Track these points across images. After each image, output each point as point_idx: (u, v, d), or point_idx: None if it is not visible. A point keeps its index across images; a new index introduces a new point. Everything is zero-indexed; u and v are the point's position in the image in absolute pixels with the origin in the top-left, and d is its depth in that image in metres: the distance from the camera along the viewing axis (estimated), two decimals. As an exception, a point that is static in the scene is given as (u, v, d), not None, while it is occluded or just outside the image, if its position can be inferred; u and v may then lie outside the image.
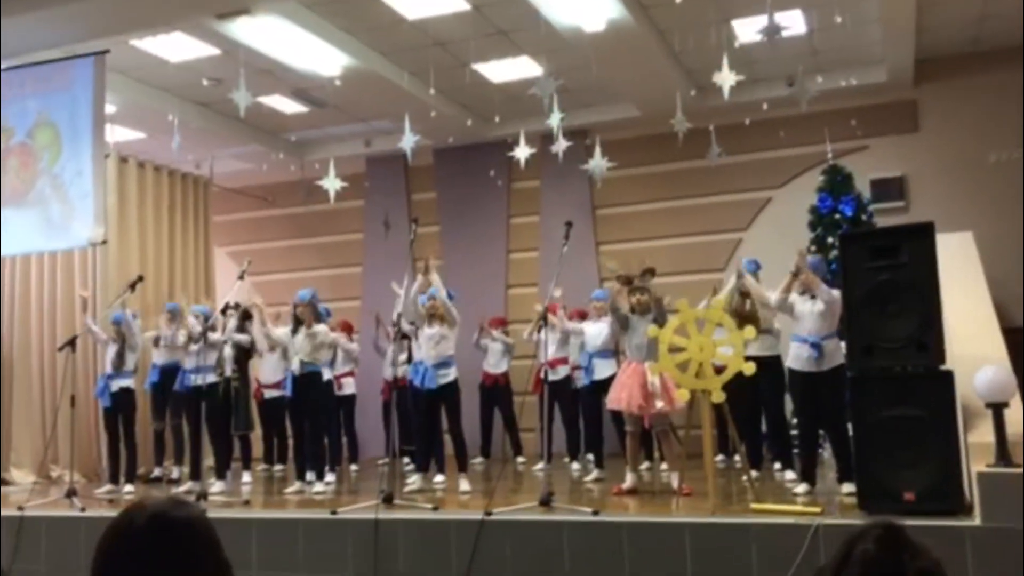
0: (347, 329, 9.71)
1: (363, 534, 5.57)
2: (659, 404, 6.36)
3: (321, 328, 7.46)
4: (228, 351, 8.05)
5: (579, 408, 8.38)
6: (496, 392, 9.42)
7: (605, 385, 7.21)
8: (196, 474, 7.59)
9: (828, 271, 7.42)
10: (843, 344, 5.73)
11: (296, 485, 7.35)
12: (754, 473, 6.40)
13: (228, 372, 8.04)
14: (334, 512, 5.85)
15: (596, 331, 7.87)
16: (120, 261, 9.76)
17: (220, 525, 1.63)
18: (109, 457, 8.12)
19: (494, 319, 9.78)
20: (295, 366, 7.36)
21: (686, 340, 5.81)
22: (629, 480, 6.54)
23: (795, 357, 6.11)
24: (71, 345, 7.49)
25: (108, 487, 7.95)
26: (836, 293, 5.86)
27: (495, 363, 9.44)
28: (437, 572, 5.39)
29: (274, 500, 7.26)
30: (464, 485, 6.90)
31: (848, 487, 5.66)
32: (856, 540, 1.27)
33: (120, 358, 8.00)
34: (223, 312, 8.15)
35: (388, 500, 5.98)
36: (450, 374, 7.09)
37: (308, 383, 7.35)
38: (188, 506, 1.61)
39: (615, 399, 6.61)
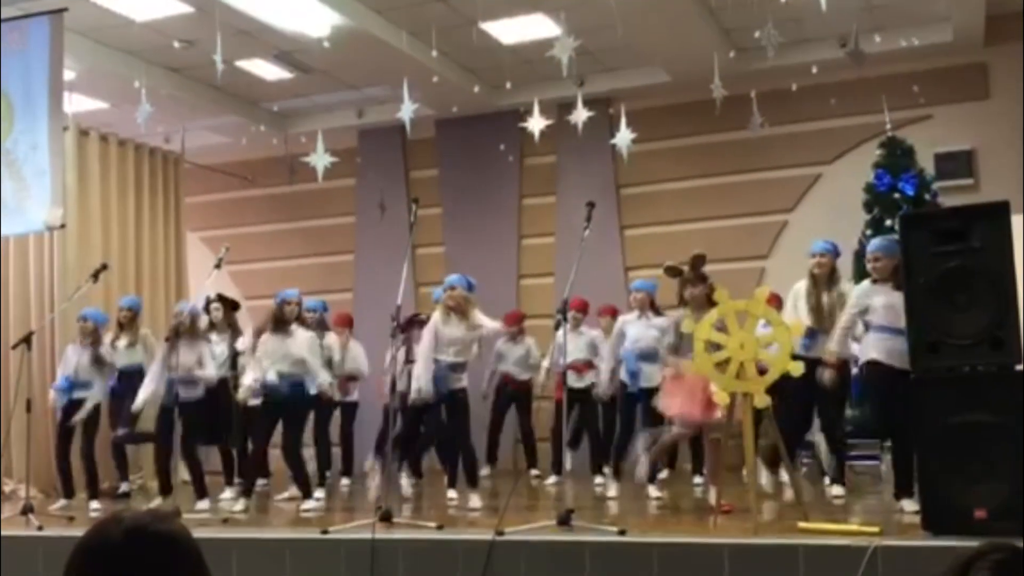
0: (346, 324, 9.63)
1: (358, 556, 5.60)
2: (719, 414, 6.33)
3: (304, 334, 7.49)
4: (219, 350, 8.10)
5: (613, 414, 8.34)
6: (517, 397, 9.44)
7: (652, 393, 7.13)
8: (167, 488, 7.66)
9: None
10: None
11: (289, 492, 7.39)
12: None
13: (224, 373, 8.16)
14: (325, 531, 5.88)
15: (639, 329, 7.81)
16: (81, 248, 9.79)
17: (196, 546, 1.64)
18: (59, 468, 8.17)
19: (510, 315, 9.76)
20: (271, 376, 7.40)
21: (725, 336, 5.81)
22: (654, 488, 6.53)
23: (881, 349, 6.01)
24: (26, 343, 7.52)
25: (62, 502, 7.99)
26: None
27: (519, 370, 9.44)
28: (442, 599, 5.42)
29: (257, 518, 7.31)
30: (475, 501, 6.94)
31: (909, 504, 5.66)
32: (970, 564, 1.17)
33: (98, 362, 8.01)
34: (205, 309, 8.17)
35: (386, 518, 6.00)
36: (463, 379, 7.14)
37: (286, 396, 7.39)
38: (169, 520, 1.63)
39: (671, 405, 6.55)
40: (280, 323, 7.46)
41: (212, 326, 8.27)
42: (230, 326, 8.31)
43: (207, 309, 8.15)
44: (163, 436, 7.76)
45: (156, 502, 7.75)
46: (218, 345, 8.17)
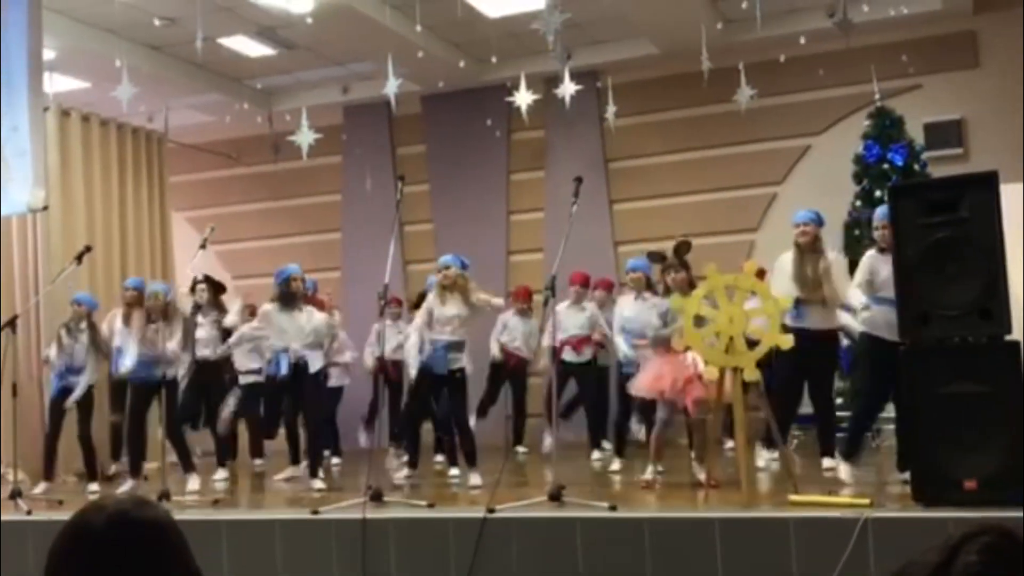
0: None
1: (349, 536, 5.61)
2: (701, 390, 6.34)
3: (319, 314, 7.61)
4: (203, 333, 8.14)
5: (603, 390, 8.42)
6: (515, 374, 9.45)
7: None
8: (136, 471, 7.71)
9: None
10: None
11: (288, 471, 7.40)
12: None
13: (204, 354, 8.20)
14: (316, 511, 5.89)
15: (633, 309, 7.82)
16: (64, 229, 9.75)
17: (185, 528, 1.64)
18: (46, 451, 8.17)
19: (520, 290, 9.74)
20: (293, 351, 7.40)
21: (714, 311, 5.82)
22: (650, 472, 6.58)
23: (876, 323, 5.98)
24: (11, 326, 7.50)
25: (43, 486, 7.98)
26: None
27: (525, 347, 9.45)
28: (434, 577, 5.43)
29: (247, 499, 7.32)
30: (475, 479, 6.95)
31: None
32: (959, 547, 1.15)
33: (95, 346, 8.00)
34: (192, 289, 8.17)
35: (377, 497, 6.01)
36: (461, 359, 7.14)
37: (302, 372, 7.43)
38: (152, 506, 1.62)
39: (649, 386, 6.59)
40: (290, 299, 7.47)
41: (198, 307, 8.27)
42: (216, 307, 8.33)
43: (193, 290, 8.17)
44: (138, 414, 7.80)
45: (128, 484, 7.76)
46: (203, 327, 8.19)
